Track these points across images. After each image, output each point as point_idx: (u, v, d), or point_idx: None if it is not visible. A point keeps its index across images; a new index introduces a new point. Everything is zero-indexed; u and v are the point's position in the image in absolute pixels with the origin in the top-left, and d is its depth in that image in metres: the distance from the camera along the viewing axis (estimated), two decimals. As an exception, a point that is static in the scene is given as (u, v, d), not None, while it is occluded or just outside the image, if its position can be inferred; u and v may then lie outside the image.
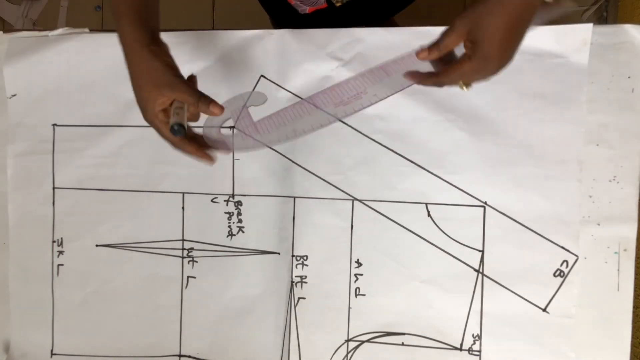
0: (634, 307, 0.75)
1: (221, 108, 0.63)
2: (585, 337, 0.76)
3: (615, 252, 0.75)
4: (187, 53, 0.86)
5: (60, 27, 0.90)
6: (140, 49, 0.65)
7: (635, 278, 0.75)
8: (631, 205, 0.74)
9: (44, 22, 2.11)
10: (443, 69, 0.62)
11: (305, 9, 0.88)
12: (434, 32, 0.77)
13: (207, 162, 0.68)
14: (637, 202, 0.74)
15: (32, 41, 0.90)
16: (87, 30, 0.90)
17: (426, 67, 0.64)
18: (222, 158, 0.85)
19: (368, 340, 0.81)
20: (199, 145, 0.68)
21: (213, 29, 0.91)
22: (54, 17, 2.10)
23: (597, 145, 0.75)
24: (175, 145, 0.66)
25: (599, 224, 0.75)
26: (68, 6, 2.10)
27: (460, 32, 0.60)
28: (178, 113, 0.61)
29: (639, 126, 0.74)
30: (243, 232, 0.85)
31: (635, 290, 0.75)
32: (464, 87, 0.62)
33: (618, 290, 0.75)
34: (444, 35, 0.61)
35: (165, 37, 0.86)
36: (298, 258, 0.83)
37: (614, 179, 0.75)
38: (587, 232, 0.76)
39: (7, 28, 0.97)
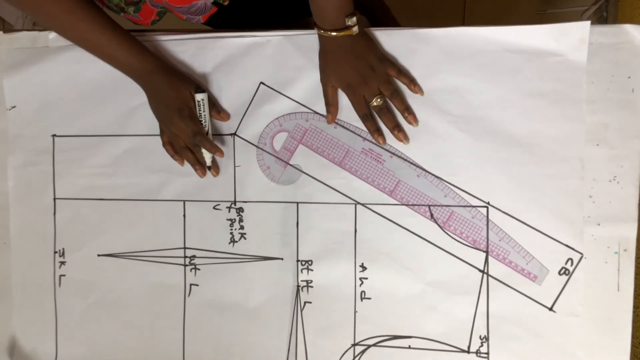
0: (634, 307, 0.75)
1: (228, 115, 0.84)
2: (585, 337, 0.76)
3: (615, 252, 0.75)
4: (185, 61, 0.86)
5: (61, 27, 0.89)
6: (163, 66, 0.80)
7: (635, 278, 0.76)
8: (631, 205, 0.75)
9: (44, 22, 2.10)
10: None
11: (199, 19, 0.87)
12: (433, 33, 0.78)
13: (219, 154, 0.82)
14: (637, 202, 0.75)
15: (31, 52, 0.90)
16: None
17: None
18: (223, 165, 0.85)
19: (375, 344, 0.81)
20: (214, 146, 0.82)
21: (213, 28, 0.90)
22: (54, 17, 2.08)
23: (597, 145, 0.75)
24: (198, 134, 0.81)
25: (599, 224, 0.76)
26: (68, 6, 2.09)
27: (329, 85, 0.79)
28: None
29: (639, 126, 0.74)
30: (245, 238, 0.85)
31: (635, 290, 0.75)
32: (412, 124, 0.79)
33: (618, 290, 0.75)
34: (325, 95, 0.80)
35: (163, 44, 0.86)
36: (303, 263, 0.83)
37: (614, 179, 0.75)
38: (587, 232, 0.76)
39: (7, 28, 0.96)
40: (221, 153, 0.82)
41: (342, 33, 0.72)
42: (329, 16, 0.72)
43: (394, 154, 0.81)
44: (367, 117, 0.79)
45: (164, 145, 0.85)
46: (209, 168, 0.84)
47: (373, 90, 0.77)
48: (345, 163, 0.82)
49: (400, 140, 0.78)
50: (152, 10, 0.84)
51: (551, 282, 0.76)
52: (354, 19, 0.72)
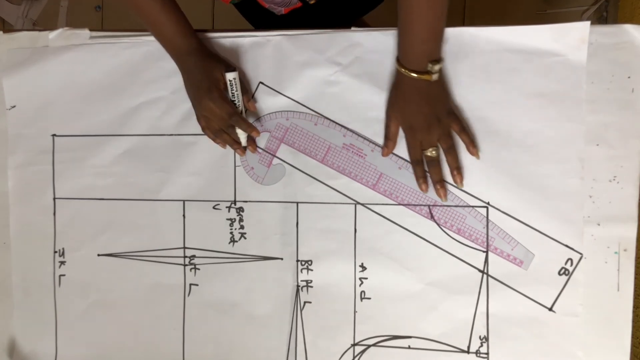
0: (634, 307, 0.75)
1: (254, 106, 0.83)
2: (585, 337, 0.76)
3: (615, 252, 0.75)
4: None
5: (60, 27, 0.89)
6: (201, 49, 0.81)
7: (635, 278, 0.75)
8: (631, 205, 0.75)
9: (44, 22, 2.11)
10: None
11: (281, 10, 0.87)
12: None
13: (256, 133, 0.83)
14: (637, 202, 0.74)
15: (31, 52, 0.90)
16: (87, 30, 0.89)
17: None
18: (223, 165, 0.85)
19: (374, 344, 0.81)
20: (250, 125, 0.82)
21: (213, 28, 0.90)
22: (54, 17, 2.10)
23: (597, 145, 0.75)
24: (234, 115, 0.81)
25: (599, 224, 0.76)
26: (68, 6, 2.10)
27: (393, 121, 0.78)
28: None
29: (639, 126, 0.74)
30: (245, 238, 0.85)
31: (635, 290, 0.75)
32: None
33: (618, 290, 0.75)
34: (386, 128, 0.80)
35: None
36: (303, 263, 0.83)
37: (614, 179, 0.75)
38: (587, 232, 0.76)
39: (7, 28, 0.96)
40: (257, 132, 0.82)
41: (422, 77, 0.71)
42: (416, 58, 0.71)
43: (376, 145, 0.81)
44: (418, 162, 0.78)
45: (203, 130, 0.84)
46: (245, 148, 0.84)
47: (432, 140, 0.76)
48: (327, 159, 0.83)
49: (440, 197, 0.78)
50: None
51: (551, 282, 0.76)
52: (438, 67, 0.71)
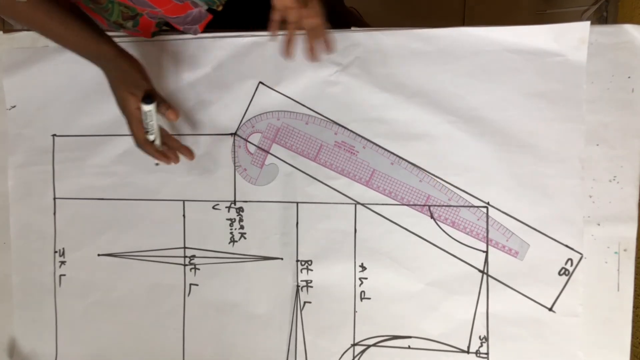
0: (634, 307, 0.76)
1: (176, 114, 0.76)
2: (585, 337, 0.76)
3: (615, 252, 0.75)
4: (185, 61, 0.86)
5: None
6: (115, 59, 0.74)
7: (635, 278, 0.76)
8: (631, 205, 0.75)
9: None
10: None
11: (197, 28, 0.84)
12: (432, 33, 0.79)
13: (164, 161, 0.80)
14: (637, 202, 0.75)
15: (31, 52, 0.90)
16: None
17: None
18: (223, 165, 0.85)
19: (374, 344, 0.81)
20: (159, 151, 0.79)
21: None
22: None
23: (597, 145, 0.75)
24: (140, 143, 0.77)
25: (599, 224, 0.76)
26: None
27: None
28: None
29: (639, 126, 0.74)
30: (245, 238, 0.85)
31: (635, 290, 0.75)
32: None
33: (618, 290, 0.75)
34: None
35: (163, 45, 0.86)
36: (303, 263, 0.83)
37: (614, 179, 0.75)
38: (587, 232, 0.76)
39: (7, 28, 0.96)
40: (167, 161, 0.80)
41: None
42: None
43: (368, 141, 0.81)
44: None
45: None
46: (157, 164, 0.86)
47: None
48: (320, 158, 0.83)
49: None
50: (150, 22, 0.84)
51: (551, 282, 0.76)
52: None
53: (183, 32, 0.86)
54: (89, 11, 0.78)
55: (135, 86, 0.74)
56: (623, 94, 0.74)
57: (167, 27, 0.89)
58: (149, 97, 0.73)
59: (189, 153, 0.83)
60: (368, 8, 1.37)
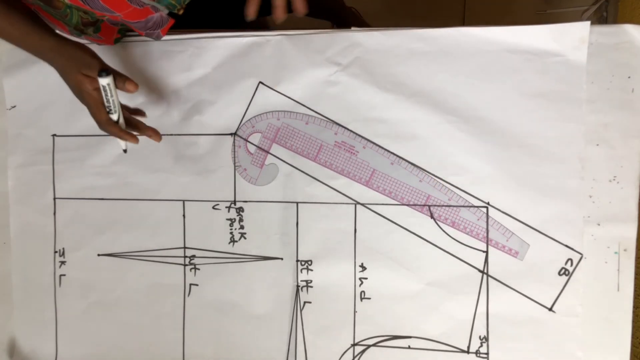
0: (634, 307, 0.76)
1: (135, 85, 0.73)
2: (585, 337, 0.76)
3: (615, 252, 0.75)
4: (185, 61, 0.86)
5: (60, 27, 0.89)
6: (57, 48, 0.71)
7: (635, 278, 0.76)
8: (631, 205, 0.75)
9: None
10: None
11: (158, 33, 0.83)
12: (432, 33, 0.79)
13: (132, 141, 0.75)
14: (637, 202, 0.75)
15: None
16: None
17: None
18: (223, 165, 0.85)
19: (374, 344, 0.81)
20: (123, 130, 0.75)
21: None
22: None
23: (597, 145, 0.75)
24: (103, 124, 0.73)
25: (599, 224, 0.76)
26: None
27: None
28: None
29: (639, 126, 0.74)
30: (245, 238, 0.85)
31: (635, 290, 0.76)
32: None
33: (618, 290, 0.75)
34: None
35: (163, 45, 0.86)
36: (303, 263, 0.83)
37: (614, 179, 0.75)
38: (587, 232, 0.76)
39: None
40: (135, 140, 0.76)
41: None
42: None
43: (369, 141, 0.81)
44: None
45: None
46: (125, 151, 0.80)
47: None
48: (320, 158, 0.83)
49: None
50: (112, 28, 0.83)
51: (551, 282, 0.76)
52: None
53: (175, 33, 0.84)
54: (50, 17, 0.76)
55: (87, 67, 0.70)
56: (623, 94, 0.74)
57: (131, 34, 0.88)
58: (104, 71, 0.70)
59: (155, 134, 0.79)
60: (368, 8, 1.37)
